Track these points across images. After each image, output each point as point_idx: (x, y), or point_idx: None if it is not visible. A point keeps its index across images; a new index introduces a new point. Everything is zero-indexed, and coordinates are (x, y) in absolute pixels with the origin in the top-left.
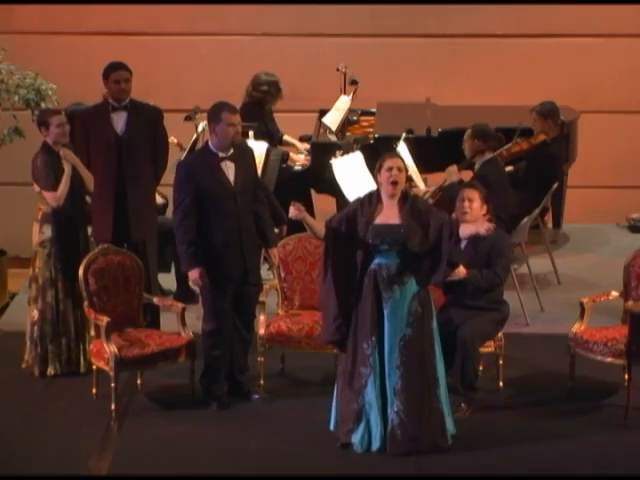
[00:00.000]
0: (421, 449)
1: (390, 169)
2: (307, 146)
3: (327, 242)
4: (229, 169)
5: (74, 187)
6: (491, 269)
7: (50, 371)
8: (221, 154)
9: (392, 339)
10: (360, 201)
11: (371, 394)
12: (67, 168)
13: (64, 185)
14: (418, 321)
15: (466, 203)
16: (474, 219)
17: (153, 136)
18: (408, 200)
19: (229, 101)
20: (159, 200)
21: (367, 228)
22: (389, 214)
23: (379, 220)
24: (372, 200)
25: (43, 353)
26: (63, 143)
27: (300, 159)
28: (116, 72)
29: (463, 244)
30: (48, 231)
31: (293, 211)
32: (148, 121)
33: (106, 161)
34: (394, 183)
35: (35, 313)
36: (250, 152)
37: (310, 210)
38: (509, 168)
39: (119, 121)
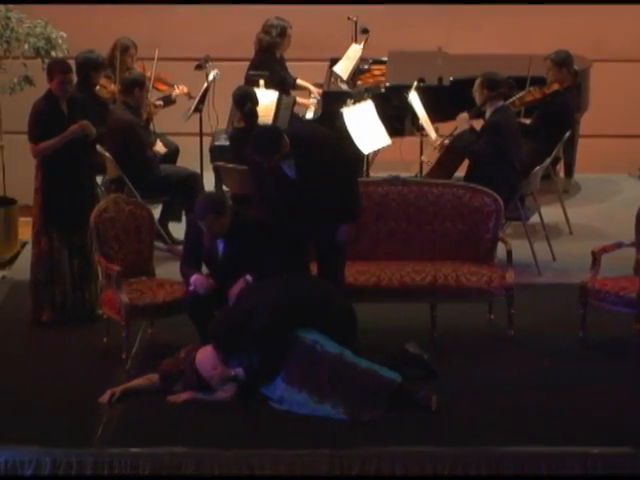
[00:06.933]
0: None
1: None
2: (321, 90)
3: None
4: None
5: (76, 139)
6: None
7: (44, 317)
8: None
9: None
10: None
11: None
12: (72, 130)
13: (55, 141)
14: None
15: None
16: None
17: None
18: None
19: (238, 50)
20: (162, 149)
21: None
22: None
23: None
24: None
25: (38, 298)
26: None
27: (308, 102)
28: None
29: None
30: (41, 179)
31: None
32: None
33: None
34: None
35: (33, 259)
36: None
37: None
38: (527, 120)
39: (290, 169)
